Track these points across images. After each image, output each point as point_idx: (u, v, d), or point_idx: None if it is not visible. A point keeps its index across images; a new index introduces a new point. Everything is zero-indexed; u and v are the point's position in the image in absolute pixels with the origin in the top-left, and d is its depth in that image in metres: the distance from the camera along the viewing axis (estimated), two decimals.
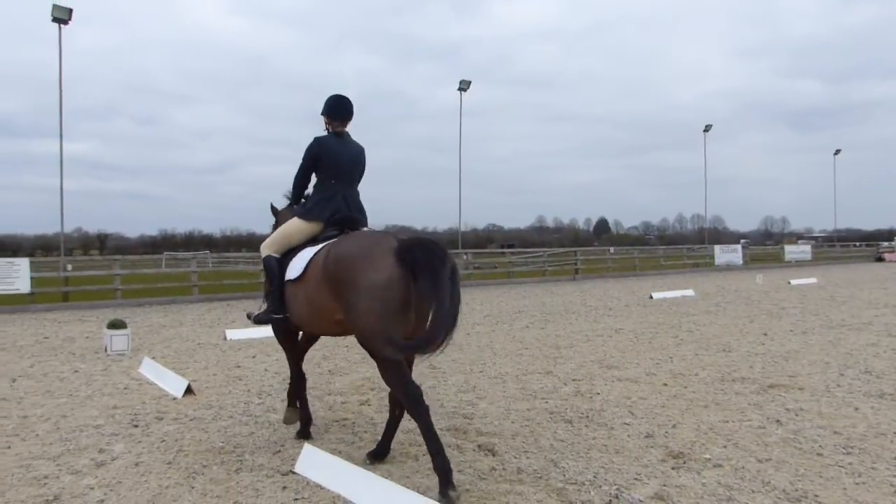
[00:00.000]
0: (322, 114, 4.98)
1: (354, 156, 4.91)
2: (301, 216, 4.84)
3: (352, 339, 10.01)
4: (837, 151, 52.18)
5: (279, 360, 8.49)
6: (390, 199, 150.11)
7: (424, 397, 3.87)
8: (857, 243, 52.32)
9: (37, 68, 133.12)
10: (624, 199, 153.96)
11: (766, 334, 10.16)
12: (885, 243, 48.40)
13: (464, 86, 30.83)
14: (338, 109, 4.92)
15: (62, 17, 19.39)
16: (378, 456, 4.49)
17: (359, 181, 5.02)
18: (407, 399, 3.82)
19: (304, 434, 5.10)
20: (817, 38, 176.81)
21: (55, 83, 19.46)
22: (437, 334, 3.58)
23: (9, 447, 4.91)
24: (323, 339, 8.66)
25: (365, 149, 5.05)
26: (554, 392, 6.47)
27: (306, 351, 5.46)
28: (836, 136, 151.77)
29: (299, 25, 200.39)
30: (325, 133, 4.96)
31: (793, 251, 39.15)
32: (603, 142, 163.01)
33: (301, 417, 5.20)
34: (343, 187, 4.85)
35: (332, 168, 4.80)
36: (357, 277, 3.84)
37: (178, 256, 28.94)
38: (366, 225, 4.90)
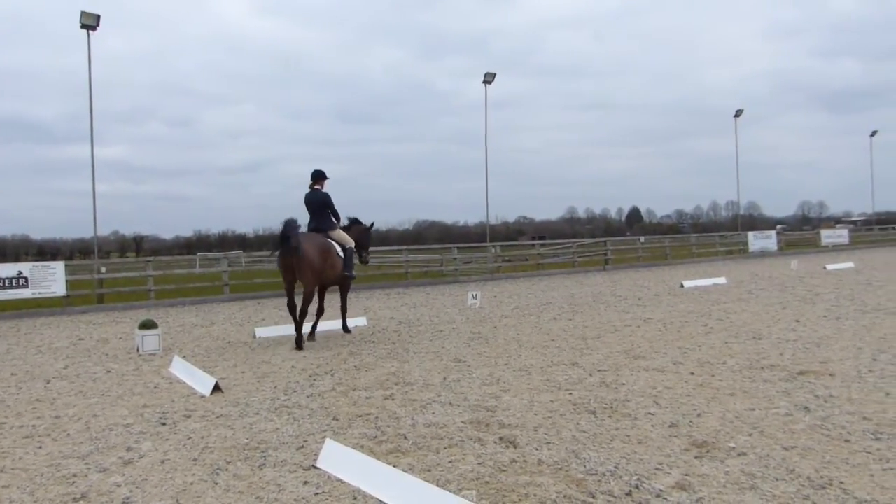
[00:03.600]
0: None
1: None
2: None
3: (381, 336, 10.06)
4: (874, 132, 50.93)
5: (306, 357, 8.60)
6: (423, 193, 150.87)
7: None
8: None
9: (70, 75, 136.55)
10: (657, 187, 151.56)
11: (798, 321, 9.99)
12: None
13: (488, 78, 30.72)
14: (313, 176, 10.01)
15: (90, 23, 19.78)
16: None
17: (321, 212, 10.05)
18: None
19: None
20: (857, 15, 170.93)
21: (87, 89, 19.86)
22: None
23: (40, 447, 5.06)
24: (350, 337, 10.34)
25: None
26: (579, 383, 6.44)
27: None
28: (874, 117, 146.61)
29: (327, 23, 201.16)
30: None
31: (829, 235, 38.22)
32: (635, 130, 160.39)
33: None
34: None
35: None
36: None
37: (210, 257, 29.36)
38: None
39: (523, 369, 7.24)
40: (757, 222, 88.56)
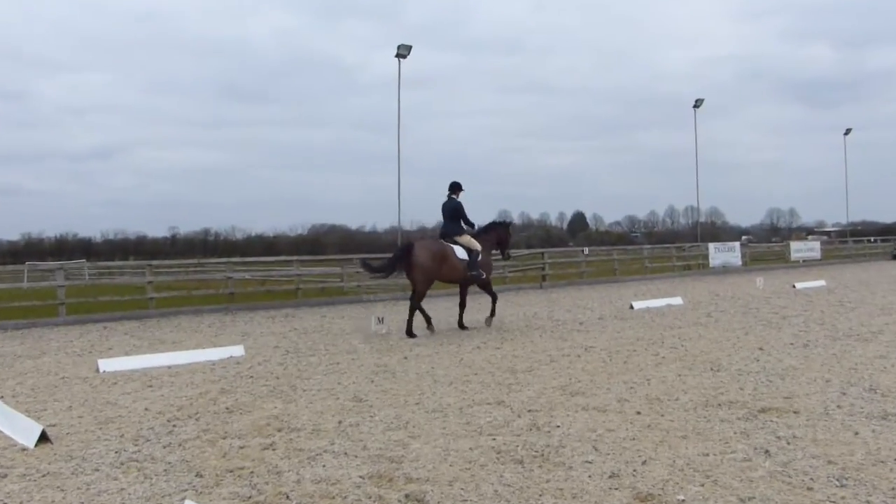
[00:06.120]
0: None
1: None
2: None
3: (261, 369, 9.95)
4: (848, 131, 54.34)
5: (164, 396, 8.37)
6: (322, 190, 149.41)
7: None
8: (873, 238, 54.18)
9: None
10: (605, 188, 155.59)
11: (762, 349, 10.52)
12: None
13: (403, 51, 30.89)
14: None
15: None
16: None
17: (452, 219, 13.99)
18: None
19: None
20: None
21: None
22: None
23: None
24: (222, 370, 10.19)
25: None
26: (504, 426, 6.54)
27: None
28: (848, 112, 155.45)
29: None
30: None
31: (800, 249, 40.46)
32: (580, 118, 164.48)
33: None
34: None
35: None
36: None
37: (43, 268, 28.11)
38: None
39: (438, 410, 7.28)
40: (720, 232, 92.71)
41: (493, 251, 14.96)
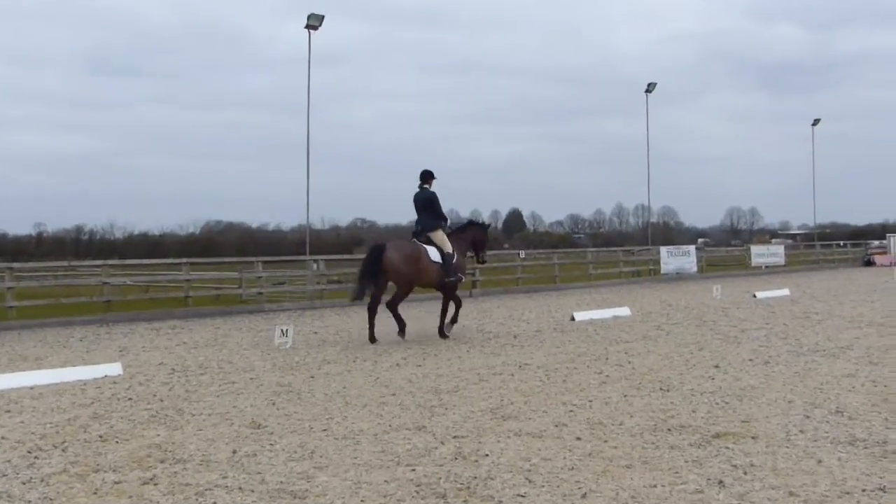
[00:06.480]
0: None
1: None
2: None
3: (142, 390, 9.76)
4: (817, 121, 56.19)
5: (25, 422, 8.12)
6: (217, 182, 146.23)
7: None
8: (842, 242, 56.26)
9: None
10: (545, 183, 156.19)
11: (717, 366, 10.79)
12: (876, 242, 52.40)
13: (314, 21, 30.74)
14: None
15: None
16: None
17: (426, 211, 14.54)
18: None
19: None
20: None
21: None
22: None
23: None
24: (95, 391, 9.99)
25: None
26: (426, 455, 6.54)
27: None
28: (819, 100, 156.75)
29: None
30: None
31: (762, 254, 41.76)
32: (517, 103, 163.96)
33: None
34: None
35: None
36: None
37: None
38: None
39: (349, 437, 7.24)
40: (673, 234, 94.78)
41: (468, 254, 15.74)
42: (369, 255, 14.56)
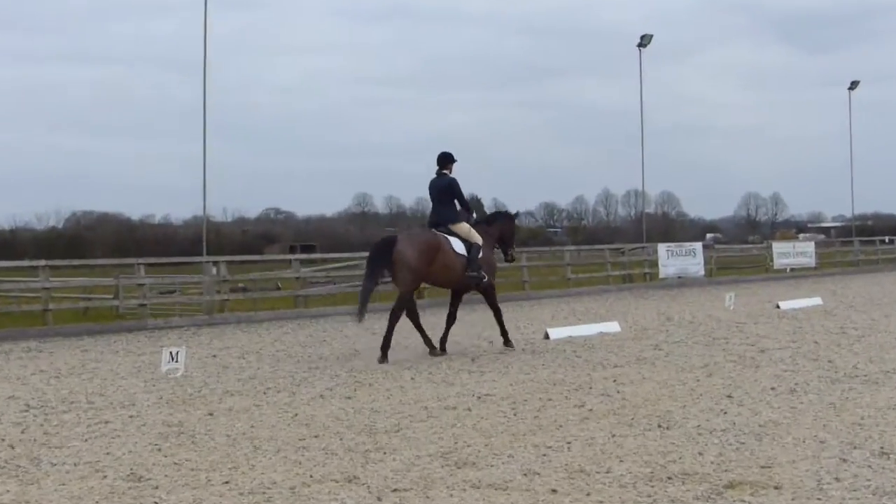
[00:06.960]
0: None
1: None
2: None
3: None
4: (854, 84, 54.26)
5: None
6: (88, 161, 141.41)
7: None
8: (888, 238, 54.74)
9: None
10: (511, 163, 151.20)
11: (730, 396, 10.49)
12: None
13: None
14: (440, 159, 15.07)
15: None
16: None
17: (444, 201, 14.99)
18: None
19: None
20: None
21: None
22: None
23: None
24: None
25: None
26: None
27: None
28: (853, 58, 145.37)
29: None
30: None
31: (786, 252, 41.27)
32: (475, 60, 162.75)
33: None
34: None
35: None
36: None
37: None
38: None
39: (258, 492, 6.87)
40: (675, 228, 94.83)
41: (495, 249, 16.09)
42: (375, 250, 14.69)
